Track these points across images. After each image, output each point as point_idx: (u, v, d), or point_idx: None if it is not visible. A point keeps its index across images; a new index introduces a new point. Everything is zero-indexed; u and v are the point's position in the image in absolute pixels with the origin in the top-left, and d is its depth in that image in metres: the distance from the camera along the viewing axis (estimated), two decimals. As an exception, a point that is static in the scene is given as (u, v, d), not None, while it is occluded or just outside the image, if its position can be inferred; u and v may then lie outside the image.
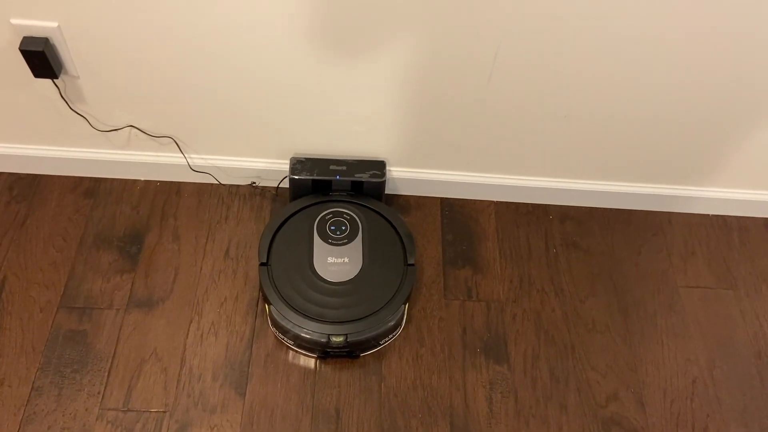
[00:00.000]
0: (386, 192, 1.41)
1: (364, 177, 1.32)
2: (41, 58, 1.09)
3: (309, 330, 1.16)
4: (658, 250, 1.44)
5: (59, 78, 1.15)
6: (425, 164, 1.40)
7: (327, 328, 1.16)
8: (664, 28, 1.06)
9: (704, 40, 1.08)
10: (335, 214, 1.29)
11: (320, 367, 1.21)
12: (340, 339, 1.16)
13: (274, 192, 1.43)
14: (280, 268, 1.22)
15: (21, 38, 1.08)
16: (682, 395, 1.24)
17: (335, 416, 1.16)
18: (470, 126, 1.29)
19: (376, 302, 1.20)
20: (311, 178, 1.31)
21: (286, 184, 1.41)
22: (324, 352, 1.19)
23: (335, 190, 1.34)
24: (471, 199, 1.47)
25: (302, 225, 1.28)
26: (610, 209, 1.49)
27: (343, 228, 1.27)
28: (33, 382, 1.14)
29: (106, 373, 1.17)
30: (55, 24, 1.07)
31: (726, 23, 1.05)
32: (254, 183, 1.44)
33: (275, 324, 1.20)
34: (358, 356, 1.22)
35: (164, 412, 1.14)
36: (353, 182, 1.33)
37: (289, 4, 1.04)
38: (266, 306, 1.22)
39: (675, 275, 1.40)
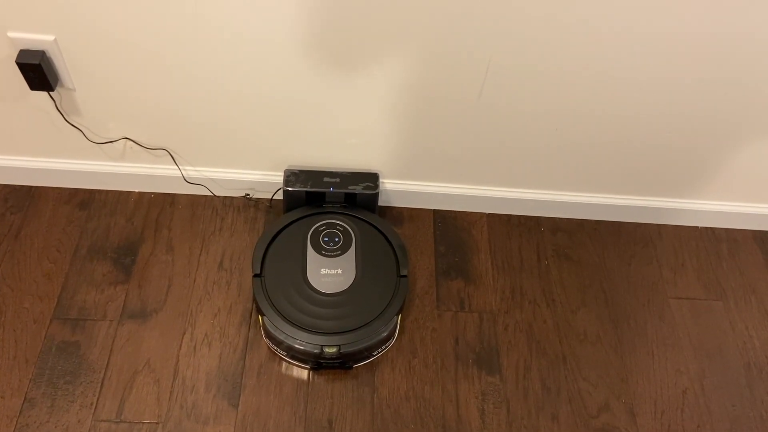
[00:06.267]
0: (379, 204, 1.42)
1: (357, 189, 1.33)
2: (38, 71, 1.10)
3: (302, 341, 1.16)
4: (649, 262, 1.45)
5: (55, 90, 1.16)
6: (418, 176, 1.41)
7: (320, 339, 1.17)
8: (653, 44, 1.08)
9: (694, 56, 1.10)
10: (329, 225, 1.30)
11: (313, 378, 1.21)
12: (333, 350, 1.16)
13: (268, 204, 1.44)
14: (274, 280, 1.23)
15: (18, 51, 1.09)
16: (672, 406, 1.24)
17: (328, 427, 1.16)
18: (463, 139, 1.30)
19: (368, 313, 1.21)
20: (305, 190, 1.32)
21: (280, 196, 1.42)
22: (317, 363, 1.20)
23: (329, 201, 1.35)
24: (463, 211, 1.48)
25: (296, 236, 1.29)
26: (601, 221, 1.50)
27: (337, 239, 1.28)
28: (25, 394, 1.14)
29: (99, 385, 1.17)
30: (51, 37, 1.08)
31: (714, 41, 1.07)
32: (248, 195, 1.45)
33: (268, 335, 1.20)
34: (351, 367, 1.22)
35: (157, 423, 1.14)
36: (347, 194, 1.34)
37: (285, 20, 1.05)
38: (259, 317, 1.23)
39: (665, 286, 1.41)
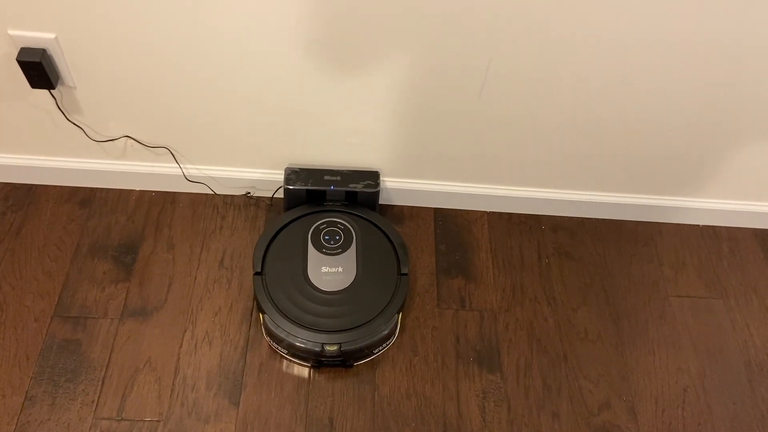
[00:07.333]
0: (380, 202, 1.42)
1: (358, 187, 1.33)
2: (38, 69, 1.10)
3: (303, 339, 1.17)
4: (649, 260, 1.45)
5: (56, 89, 1.16)
6: (419, 175, 1.41)
7: (321, 337, 1.17)
8: (655, 42, 1.08)
9: (695, 55, 1.10)
10: (329, 223, 1.30)
11: (314, 376, 1.21)
12: (333, 348, 1.16)
13: (268, 202, 1.44)
14: (275, 278, 1.23)
15: (18, 49, 1.09)
16: (673, 404, 1.24)
17: (329, 425, 1.16)
18: (463, 137, 1.30)
19: (369, 311, 1.21)
20: (306, 188, 1.32)
21: (280, 194, 1.42)
22: (318, 361, 1.20)
23: (329, 200, 1.35)
24: (464, 210, 1.48)
25: (296, 235, 1.29)
26: (602, 220, 1.50)
27: (337, 238, 1.28)
28: (26, 392, 1.14)
29: (100, 383, 1.17)
30: (52, 35, 1.08)
31: (714, 42, 1.07)
32: (249, 193, 1.45)
33: (269, 333, 1.20)
34: (351, 365, 1.22)
35: (158, 421, 1.14)
36: (347, 192, 1.34)
37: (286, 19, 1.05)
38: (260, 315, 1.23)
39: (666, 285, 1.41)
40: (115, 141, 1.31)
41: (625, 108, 1.22)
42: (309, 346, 1.16)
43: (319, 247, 1.27)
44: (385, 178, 1.41)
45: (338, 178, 1.34)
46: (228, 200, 1.44)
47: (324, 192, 1.33)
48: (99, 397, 1.15)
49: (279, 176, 1.38)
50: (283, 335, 1.17)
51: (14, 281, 1.27)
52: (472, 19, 1.05)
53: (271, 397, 1.18)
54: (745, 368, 1.30)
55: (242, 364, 1.21)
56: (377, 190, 1.34)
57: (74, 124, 1.26)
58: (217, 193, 1.44)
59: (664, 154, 1.33)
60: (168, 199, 1.42)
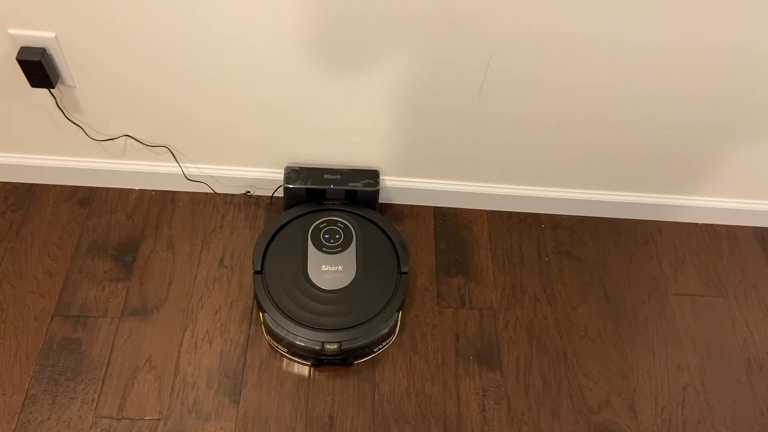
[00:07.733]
0: (380, 201, 1.42)
1: (357, 186, 1.33)
2: (38, 68, 1.10)
3: (303, 337, 1.17)
4: (649, 259, 1.45)
5: (56, 87, 1.16)
6: (418, 173, 1.41)
7: (321, 336, 1.17)
8: (655, 40, 1.08)
9: (694, 54, 1.10)
10: (329, 222, 1.30)
11: (314, 374, 1.22)
12: (334, 346, 1.16)
13: (268, 201, 1.44)
14: (275, 277, 1.23)
15: (18, 48, 1.09)
16: (673, 402, 1.25)
17: (329, 423, 1.16)
18: (463, 136, 1.30)
19: (369, 310, 1.21)
20: (305, 187, 1.32)
21: (280, 193, 1.42)
22: (318, 359, 1.20)
23: (329, 198, 1.35)
24: (464, 208, 1.48)
25: (296, 233, 1.29)
26: (602, 218, 1.50)
27: (337, 236, 1.28)
28: (27, 391, 1.14)
29: (101, 381, 1.17)
30: (52, 34, 1.09)
31: (711, 43, 1.07)
32: (249, 192, 1.45)
33: (269, 332, 1.20)
34: (351, 364, 1.22)
35: (158, 419, 1.14)
36: (347, 191, 1.34)
37: (285, 18, 1.05)
38: (260, 314, 1.23)
39: (665, 283, 1.41)
40: (115, 140, 1.31)
41: (624, 107, 1.22)
42: (309, 344, 1.16)
43: (319, 246, 1.27)
44: (385, 177, 1.41)
45: (338, 176, 1.34)
46: (228, 199, 1.44)
47: (324, 191, 1.33)
48: (99, 395, 1.15)
49: (279, 175, 1.38)
50: (283, 334, 1.17)
51: (14, 280, 1.27)
52: (472, 17, 1.05)
53: (272, 396, 1.18)
54: (744, 366, 1.31)
55: (242, 362, 1.21)
56: (377, 188, 1.34)
57: (74, 123, 1.26)
58: (217, 192, 1.44)
59: (664, 152, 1.33)
60: (168, 198, 1.42)
